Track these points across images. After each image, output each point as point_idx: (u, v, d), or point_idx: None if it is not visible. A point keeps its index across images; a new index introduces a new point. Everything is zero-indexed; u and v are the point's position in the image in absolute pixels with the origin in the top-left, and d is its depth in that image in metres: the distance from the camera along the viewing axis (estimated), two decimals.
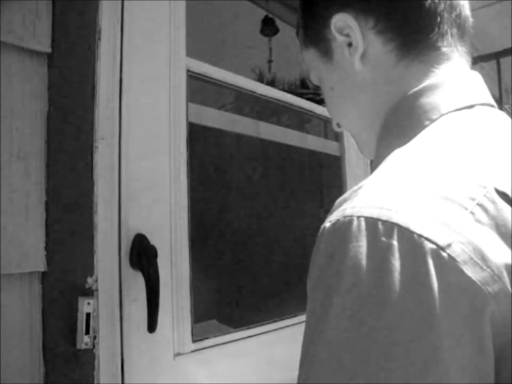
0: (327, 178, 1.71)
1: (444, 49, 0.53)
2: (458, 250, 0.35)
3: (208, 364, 1.03)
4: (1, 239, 0.73)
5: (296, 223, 1.52)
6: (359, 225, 0.37)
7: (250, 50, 1.68)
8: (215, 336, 1.09)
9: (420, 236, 0.35)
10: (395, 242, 0.35)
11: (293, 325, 1.29)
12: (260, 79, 1.64)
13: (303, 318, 1.37)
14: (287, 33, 1.76)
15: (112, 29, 0.91)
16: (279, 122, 1.54)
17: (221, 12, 1.47)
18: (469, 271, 0.35)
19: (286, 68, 1.80)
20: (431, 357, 0.34)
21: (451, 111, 0.48)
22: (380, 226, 0.36)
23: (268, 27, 1.80)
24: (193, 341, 1.02)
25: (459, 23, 0.54)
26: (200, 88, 1.18)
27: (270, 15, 1.74)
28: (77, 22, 0.85)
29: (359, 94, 0.57)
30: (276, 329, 1.24)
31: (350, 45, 0.55)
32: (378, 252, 0.36)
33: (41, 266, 0.78)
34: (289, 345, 1.21)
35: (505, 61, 2.23)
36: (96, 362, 0.83)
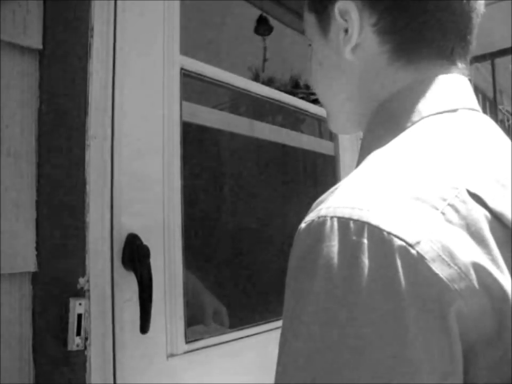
0: (321, 178, 1.71)
1: (441, 60, 0.52)
2: (426, 248, 0.36)
3: (201, 365, 1.02)
4: None
5: (290, 223, 1.51)
6: (332, 225, 0.38)
7: (244, 49, 1.67)
8: (208, 337, 1.08)
9: (389, 233, 0.36)
10: (365, 240, 0.36)
11: None
12: (255, 78, 1.64)
13: None
14: (281, 32, 1.76)
15: (105, 26, 0.90)
16: (274, 122, 1.54)
17: (215, 10, 1.46)
18: (437, 268, 0.35)
19: (280, 67, 1.79)
20: (400, 352, 0.34)
21: (432, 114, 0.49)
22: (351, 225, 0.37)
23: (262, 26, 1.80)
24: (186, 342, 1.01)
25: (463, 45, 0.54)
26: (194, 87, 1.17)
27: (265, 14, 1.73)
28: (69, 18, 0.84)
29: (345, 79, 0.57)
30: (269, 330, 1.23)
31: (346, 31, 0.54)
32: (349, 250, 0.37)
33: (32, 267, 0.76)
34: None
35: (500, 62, 2.23)
36: (87, 364, 0.81)
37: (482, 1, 0.55)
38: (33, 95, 0.79)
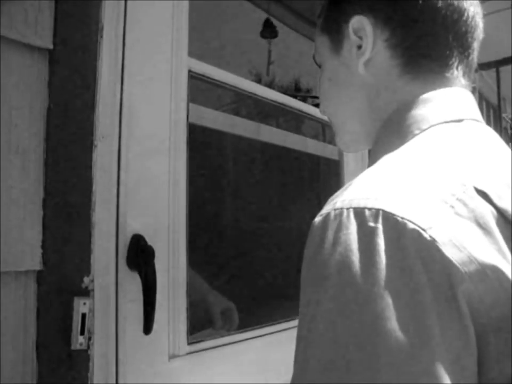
0: (325, 182, 1.71)
1: (446, 74, 0.56)
2: (438, 233, 0.38)
3: (203, 366, 1.02)
4: None
5: (294, 226, 1.51)
6: (348, 216, 0.41)
7: (249, 52, 1.68)
8: (210, 339, 1.08)
9: (403, 218, 0.39)
10: (380, 225, 0.39)
11: (290, 328, 1.28)
12: (258, 80, 1.64)
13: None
14: (287, 36, 1.76)
15: (114, 26, 0.91)
16: (279, 125, 1.54)
17: (221, 13, 1.46)
18: (447, 251, 0.38)
19: (285, 70, 1.80)
20: (416, 330, 0.36)
21: (440, 123, 0.52)
22: (367, 213, 0.40)
23: (268, 30, 1.80)
24: (189, 343, 1.01)
25: (467, 63, 0.57)
26: (200, 89, 1.17)
27: (271, 18, 1.74)
28: (79, 18, 0.84)
29: (355, 94, 0.59)
30: (272, 333, 1.23)
31: (359, 47, 0.57)
32: (366, 235, 0.39)
33: (38, 265, 0.76)
34: (286, 349, 1.20)
35: (504, 70, 2.23)
36: (90, 363, 0.81)
37: (482, 20, 0.59)
38: (42, 94, 0.80)
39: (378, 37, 0.56)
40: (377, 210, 0.39)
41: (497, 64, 2.20)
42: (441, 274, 0.37)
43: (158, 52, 1.00)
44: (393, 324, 0.36)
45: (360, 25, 0.56)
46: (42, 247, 0.77)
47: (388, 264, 0.37)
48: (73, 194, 0.82)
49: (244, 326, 1.19)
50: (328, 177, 1.70)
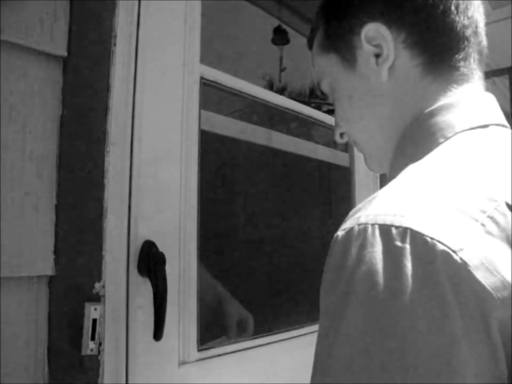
0: (336, 189, 1.70)
1: (464, 69, 0.54)
2: (469, 255, 0.36)
3: (213, 373, 1.02)
4: (12, 242, 0.73)
5: (305, 233, 1.51)
6: (373, 233, 0.38)
7: (260, 59, 1.68)
8: (221, 346, 1.08)
9: (432, 238, 0.36)
10: (407, 246, 0.37)
11: (300, 335, 1.28)
12: (270, 87, 1.64)
13: (310, 328, 1.36)
14: (298, 42, 1.77)
15: (127, 34, 0.91)
16: (290, 132, 1.54)
17: (233, 20, 1.47)
18: (480, 276, 0.35)
19: (296, 77, 1.80)
20: (446, 359, 0.34)
21: (465, 130, 0.50)
22: (393, 231, 0.38)
23: (279, 36, 1.81)
24: (199, 350, 1.01)
25: (479, 50, 0.56)
26: (211, 96, 1.18)
27: (283, 25, 1.75)
28: (93, 26, 0.85)
29: (379, 105, 0.57)
30: (282, 340, 1.23)
31: (377, 55, 0.55)
32: (392, 255, 0.37)
33: (50, 270, 0.77)
34: (296, 356, 1.20)
35: None
36: (100, 369, 0.82)
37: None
38: (56, 101, 0.80)
39: (396, 39, 0.54)
40: (405, 229, 0.37)
41: (510, 71, 2.18)
42: (473, 300, 0.35)
43: (170, 59, 1.01)
44: (421, 353, 0.34)
45: (375, 33, 0.54)
46: (55, 252, 0.78)
47: (415, 289, 0.35)
48: (85, 200, 0.82)
49: (256, 332, 1.19)
50: (339, 184, 1.70)
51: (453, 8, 0.53)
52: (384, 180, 1.67)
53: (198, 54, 1.07)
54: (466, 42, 0.54)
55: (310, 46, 0.66)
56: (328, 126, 1.61)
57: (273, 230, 1.41)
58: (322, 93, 0.65)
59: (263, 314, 1.32)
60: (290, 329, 1.29)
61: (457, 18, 0.53)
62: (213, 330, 1.11)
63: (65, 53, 0.81)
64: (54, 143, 0.80)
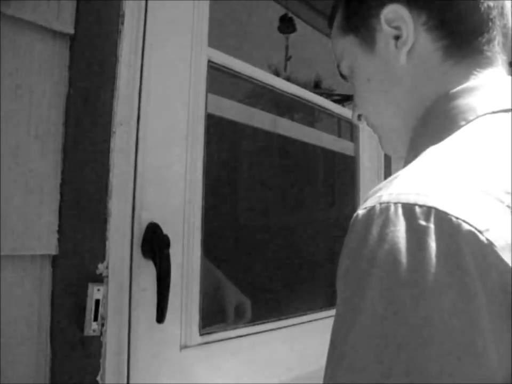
0: (340, 178, 1.70)
1: (488, 53, 0.53)
2: (496, 236, 0.35)
3: (215, 358, 1.02)
4: (15, 220, 0.72)
5: (309, 221, 1.50)
6: (396, 211, 0.38)
7: (266, 46, 1.67)
8: (223, 331, 1.08)
9: (457, 218, 0.36)
10: (432, 225, 0.36)
11: (304, 322, 1.28)
12: (277, 76, 1.63)
13: (314, 316, 1.35)
14: (304, 31, 1.75)
15: (135, 14, 0.90)
16: (295, 119, 1.53)
17: (240, 7, 1.45)
18: (506, 257, 0.35)
19: (302, 66, 1.79)
20: (470, 339, 0.34)
21: (487, 113, 0.48)
22: (417, 210, 0.37)
23: (286, 25, 1.79)
24: (201, 334, 1.01)
25: (505, 33, 0.55)
26: (219, 79, 1.17)
27: (289, 13, 1.73)
28: (101, 5, 0.84)
29: (398, 88, 0.56)
30: (285, 327, 1.23)
31: (396, 38, 0.54)
32: (416, 234, 0.36)
33: (53, 250, 0.77)
34: (298, 343, 1.20)
35: None
36: (102, 350, 0.82)
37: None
38: (62, 79, 0.79)
39: (416, 21, 0.53)
40: (429, 208, 0.37)
41: None
42: (498, 281, 0.35)
43: (178, 41, 0.99)
44: (444, 331, 0.34)
45: (395, 14, 0.53)
46: (59, 232, 0.77)
47: (439, 268, 0.35)
48: (90, 180, 0.82)
49: (257, 319, 1.19)
50: (344, 173, 1.69)
51: None
52: (388, 170, 1.66)
53: (206, 36, 1.06)
54: (490, 24, 0.52)
55: (330, 25, 0.64)
56: (334, 114, 1.60)
57: (277, 216, 1.41)
58: (342, 75, 0.64)
59: (266, 300, 1.32)
60: (293, 317, 1.29)
61: (481, 0, 0.52)
62: (213, 315, 1.11)
63: (72, 31, 0.80)
64: (59, 121, 0.79)
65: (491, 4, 0.52)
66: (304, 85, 1.79)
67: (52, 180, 0.78)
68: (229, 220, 1.26)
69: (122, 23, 0.87)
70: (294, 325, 1.27)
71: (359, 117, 0.65)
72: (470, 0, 0.52)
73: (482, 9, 0.52)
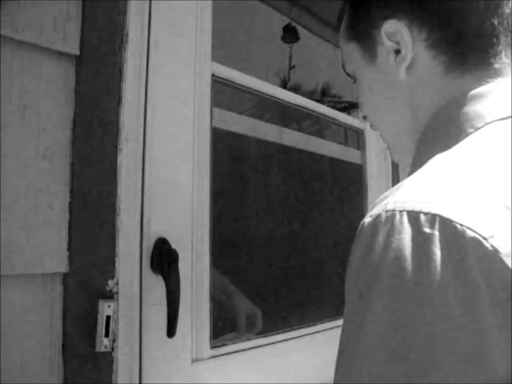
0: (348, 186, 1.70)
1: (496, 65, 0.52)
2: (501, 243, 0.35)
3: (227, 370, 1.02)
4: (26, 239, 0.73)
5: (318, 231, 1.50)
6: (401, 219, 0.38)
7: (270, 56, 1.68)
8: (234, 343, 1.08)
9: (462, 225, 0.36)
10: (436, 232, 0.36)
11: (314, 333, 1.27)
12: (281, 85, 1.64)
13: (324, 326, 1.35)
14: (308, 40, 1.76)
15: (139, 32, 0.92)
16: (301, 129, 1.54)
17: (244, 17, 1.47)
18: (511, 263, 0.35)
19: (306, 75, 1.79)
20: (476, 346, 0.34)
21: (496, 120, 0.48)
22: (422, 218, 0.37)
23: (289, 34, 1.80)
24: (212, 347, 1.01)
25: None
26: (223, 93, 1.18)
27: (292, 22, 1.74)
28: (105, 25, 0.86)
29: (399, 99, 0.56)
30: (296, 337, 1.22)
31: (397, 52, 0.54)
32: (420, 242, 0.36)
33: (64, 267, 0.78)
34: (310, 354, 1.19)
35: None
36: (114, 365, 0.82)
37: None
38: (69, 99, 0.81)
39: (416, 38, 0.52)
40: (434, 215, 0.37)
41: None
42: (504, 287, 0.35)
43: (181, 57, 1.01)
44: (451, 339, 0.34)
45: (395, 30, 0.53)
46: (68, 250, 0.78)
47: (444, 276, 0.35)
48: (98, 198, 0.83)
49: (268, 330, 1.19)
50: (351, 181, 1.69)
51: (482, 5, 0.51)
52: (396, 178, 1.66)
53: (209, 51, 1.07)
54: (495, 40, 0.52)
55: (339, 25, 0.64)
56: (339, 123, 1.60)
57: (286, 227, 1.41)
58: (348, 74, 0.64)
59: (277, 311, 1.32)
60: (304, 327, 1.28)
61: (485, 17, 0.51)
62: (224, 326, 1.11)
63: (77, 52, 0.81)
64: (67, 141, 0.80)
65: (495, 21, 0.51)
66: (310, 93, 1.80)
67: (61, 199, 0.79)
68: (237, 233, 1.27)
69: (127, 42, 0.89)
70: (307, 335, 1.26)
71: (365, 117, 0.65)
72: (472, 19, 0.51)
73: (485, 27, 0.51)
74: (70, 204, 0.80)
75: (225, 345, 1.06)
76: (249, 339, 1.14)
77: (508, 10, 0.52)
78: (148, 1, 0.94)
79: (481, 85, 0.51)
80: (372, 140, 1.64)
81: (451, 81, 0.53)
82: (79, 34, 0.82)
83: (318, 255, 1.49)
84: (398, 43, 0.54)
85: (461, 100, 0.51)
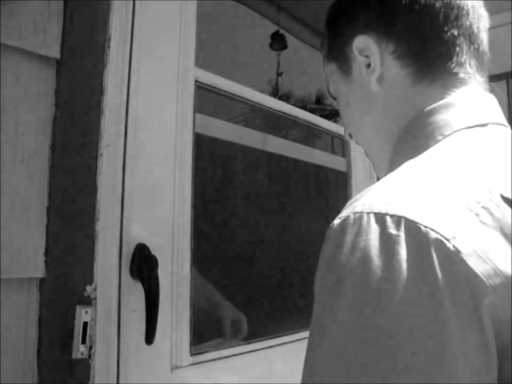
0: (333, 193, 1.70)
1: (461, 75, 0.55)
2: (462, 243, 0.37)
3: (206, 378, 1.01)
4: (2, 243, 0.72)
5: (301, 238, 1.50)
6: (368, 221, 0.39)
7: (258, 63, 1.69)
8: (215, 350, 1.07)
9: (426, 226, 0.37)
10: (402, 234, 0.37)
11: (295, 341, 1.27)
12: (269, 92, 1.64)
13: (305, 334, 1.34)
14: (296, 48, 1.77)
15: (122, 36, 0.91)
16: (286, 136, 1.54)
17: (230, 24, 1.47)
18: (472, 263, 0.36)
19: (293, 82, 1.80)
20: (437, 344, 0.35)
21: (463, 128, 0.50)
22: (388, 219, 0.38)
23: (277, 41, 1.81)
24: (191, 354, 1.00)
25: (477, 56, 0.57)
26: (207, 99, 1.18)
27: (281, 30, 1.75)
28: (86, 29, 0.85)
29: (373, 111, 0.59)
30: (277, 345, 1.22)
31: (368, 65, 0.58)
32: (386, 243, 0.38)
33: (40, 272, 0.77)
34: (291, 362, 1.18)
35: None
36: (91, 373, 0.81)
37: (487, 14, 0.59)
38: (49, 103, 0.80)
39: (385, 50, 0.56)
40: (399, 217, 0.38)
41: (508, 76, 2.19)
42: (465, 287, 0.36)
43: (164, 61, 1.01)
44: (412, 336, 0.35)
45: (364, 44, 0.57)
46: (45, 254, 0.77)
47: (408, 275, 0.36)
48: (77, 202, 0.82)
49: (250, 337, 1.18)
50: (336, 188, 1.69)
51: (441, 18, 0.55)
52: None
53: (193, 56, 1.07)
54: (458, 49, 0.55)
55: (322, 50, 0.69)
56: (325, 130, 1.61)
57: (268, 234, 1.41)
58: (332, 96, 0.68)
59: (259, 318, 1.31)
60: (286, 334, 1.28)
61: (445, 28, 0.54)
62: (207, 332, 1.10)
63: (58, 55, 0.81)
64: (46, 145, 0.80)
65: (455, 32, 0.55)
66: (297, 100, 1.81)
67: (38, 202, 0.78)
68: (219, 239, 1.26)
69: (109, 47, 0.89)
70: (289, 342, 1.26)
71: (350, 135, 0.68)
72: (434, 29, 0.55)
73: (446, 37, 0.54)
74: (48, 208, 0.79)
75: (205, 352, 1.05)
76: (230, 346, 1.13)
77: (467, 23, 0.56)
78: (131, 4, 0.93)
79: (448, 94, 0.54)
80: (357, 147, 1.64)
81: (420, 91, 0.55)
82: (60, 38, 0.81)
83: (302, 263, 1.49)
84: (368, 57, 0.57)
85: (430, 110, 0.53)
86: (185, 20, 1.04)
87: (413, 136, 0.54)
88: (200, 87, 1.10)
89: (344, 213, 0.42)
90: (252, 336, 1.19)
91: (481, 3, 0.59)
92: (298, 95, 1.81)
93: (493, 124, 0.52)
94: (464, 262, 0.36)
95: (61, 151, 0.80)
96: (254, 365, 1.13)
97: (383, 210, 0.39)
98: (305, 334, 1.36)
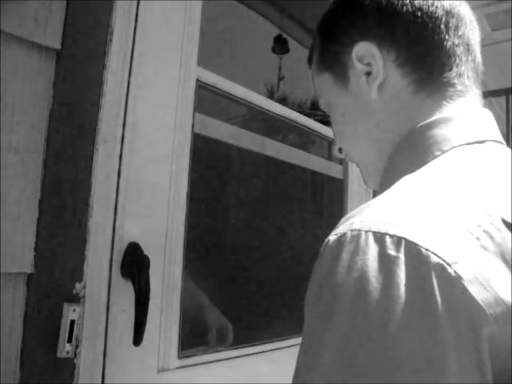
0: (328, 200, 1.69)
1: (459, 87, 0.54)
2: (464, 269, 0.35)
3: (194, 382, 0.99)
4: None
5: (293, 244, 1.49)
6: (366, 239, 0.38)
7: (259, 66, 1.68)
8: (203, 354, 1.05)
9: (427, 250, 0.36)
10: (402, 256, 0.36)
11: (283, 348, 1.25)
12: (269, 95, 1.64)
13: (293, 341, 1.34)
14: (298, 52, 1.76)
15: (124, 31, 0.90)
16: (284, 141, 1.53)
17: (233, 26, 1.46)
18: (473, 291, 0.35)
19: (294, 87, 1.79)
20: (434, 371, 0.34)
21: (462, 145, 0.50)
22: (388, 240, 0.37)
23: (279, 45, 1.80)
24: (179, 357, 0.98)
25: (474, 68, 0.57)
26: (207, 99, 1.16)
27: (283, 34, 1.74)
28: (89, 21, 0.84)
29: (371, 122, 0.57)
30: (264, 351, 1.20)
31: (368, 73, 0.56)
32: (385, 264, 0.36)
33: (29, 268, 0.75)
34: (278, 368, 1.17)
35: None
36: (76, 372, 0.79)
37: (476, 21, 0.59)
38: (47, 94, 0.78)
39: (386, 58, 0.55)
40: (400, 238, 0.37)
41: (508, 92, 2.20)
42: (465, 315, 0.35)
43: (166, 59, 0.99)
44: (409, 364, 0.34)
45: (366, 51, 0.55)
46: (35, 249, 0.75)
47: (406, 299, 0.35)
48: (70, 197, 0.80)
49: (238, 343, 1.16)
50: (332, 195, 1.68)
51: (442, 27, 0.54)
52: (376, 194, 1.66)
53: (195, 55, 1.05)
54: (458, 60, 0.54)
55: (310, 63, 0.66)
56: (323, 136, 1.60)
57: (261, 238, 1.39)
58: (322, 110, 0.66)
59: (247, 324, 1.30)
60: (274, 341, 1.26)
61: (446, 37, 0.54)
62: (193, 338, 1.08)
63: (58, 46, 0.79)
64: (41, 137, 0.78)
65: (456, 41, 0.54)
66: (297, 104, 1.80)
67: (30, 196, 0.76)
68: (213, 242, 1.24)
69: (111, 40, 0.87)
70: (276, 349, 1.24)
71: (340, 150, 0.67)
72: (436, 37, 0.54)
73: (448, 46, 0.54)
74: (40, 201, 0.77)
75: (193, 355, 1.03)
76: (219, 351, 1.11)
77: (466, 33, 0.56)
78: (136, 1, 0.92)
79: (446, 106, 0.53)
80: None
81: (419, 101, 0.54)
82: (61, 28, 0.79)
83: (293, 270, 1.47)
84: (368, 64, 0.56)
85: (428, 123, 0.52)
86: (189, 16, 1.03)
87: (410, 150, 0.53)
88: (201, 87, 1.08)
89: (341, 229, 0.40)
90: (240, 341, 1.18)
91: (474, 15, 0.59)
92: (295, 99, 1.80)
93: (490, 141, 0.51)
94: (465, 289, 0.35)
95: (56, 144, 0.79)
96: (242, 370, 1.12)
97: (382, 229, 0.38)
98: (292, 341, 1.35)
